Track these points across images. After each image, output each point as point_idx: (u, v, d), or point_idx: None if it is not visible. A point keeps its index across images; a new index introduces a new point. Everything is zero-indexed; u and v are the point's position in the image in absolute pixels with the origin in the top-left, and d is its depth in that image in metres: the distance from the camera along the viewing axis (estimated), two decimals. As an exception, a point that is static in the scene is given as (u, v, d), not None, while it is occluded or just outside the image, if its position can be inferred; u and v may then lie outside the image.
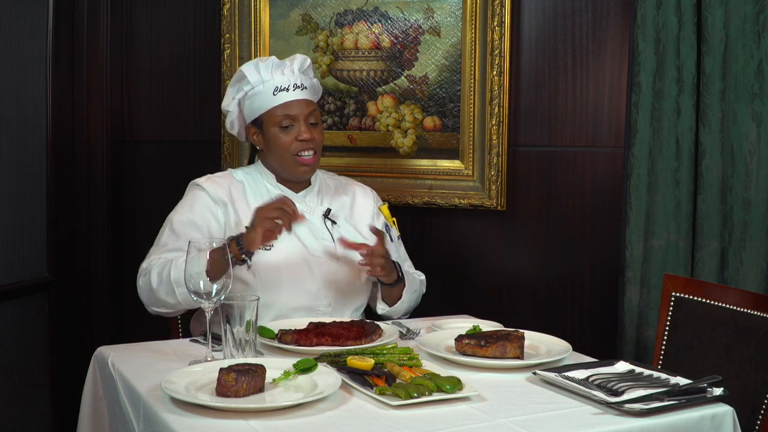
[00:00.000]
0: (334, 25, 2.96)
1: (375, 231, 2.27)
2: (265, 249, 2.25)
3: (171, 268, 2.09)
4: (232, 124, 2.42)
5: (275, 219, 2.04)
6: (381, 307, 2.37)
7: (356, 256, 2.35)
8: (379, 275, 2.24)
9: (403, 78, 2.90)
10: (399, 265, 2.34)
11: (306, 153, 2.29)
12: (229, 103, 2.38)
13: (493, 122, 2.77)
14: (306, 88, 2.33)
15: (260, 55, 3.00)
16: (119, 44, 3.21)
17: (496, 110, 2.77)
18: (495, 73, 2.76)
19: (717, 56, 2.45)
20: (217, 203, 2.28)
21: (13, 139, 2.92)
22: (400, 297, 2.35)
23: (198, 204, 2.28)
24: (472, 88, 2.81)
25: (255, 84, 2.31)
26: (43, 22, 3.03)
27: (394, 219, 2.50)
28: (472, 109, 2.81)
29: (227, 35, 3.04)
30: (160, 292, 2.14)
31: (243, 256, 2.07)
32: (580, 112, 2.76)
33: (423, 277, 2.52)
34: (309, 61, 2.39)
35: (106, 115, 3.18)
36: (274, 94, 2.29)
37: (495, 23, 2.74)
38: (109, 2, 3.16)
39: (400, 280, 2.32)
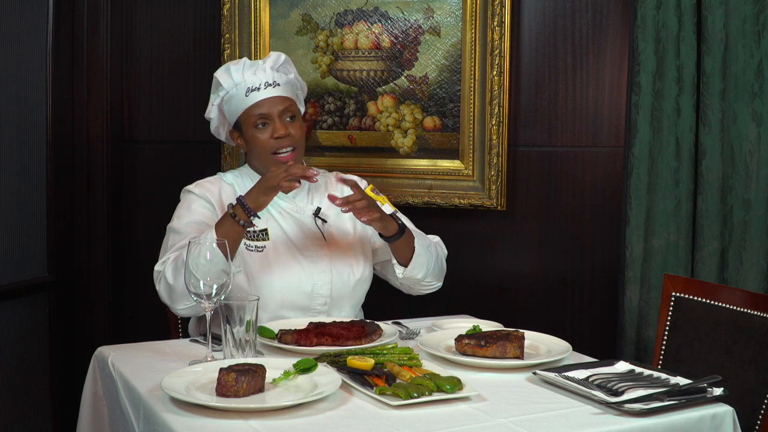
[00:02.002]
0: (334, 25, 2.96)
1: (342, 181, 2.23)
2: (258, 251, 2.25)
3: (185, 256, 1.98)
4: (218, 131, 2.45)
5: (274, 182, 2.07)
6: (399, 272, 2.29)
7: (349, 252, 2.35)
8: (370, 218, 2.12)
9: (403, 78, 2.90)
10: (396, 216, 2.25)
11: (283, 151, 2.29)
12: (210, 110, 2.40)
13: (493, 122, 2.77)
14: (279, 84, 2.32)
15: (260, 56, 3.00)
16: (119, 44, 3.21)
17: (496, 110, 2.77)
18: (495, 73, 2.76)
19: (717, 56, 2.45)
20: (210, 203, 2.29)
21: (13, 139, 2.92)
22: (412, 251, 2.26)
23: (194, 205, 2.28)
24: (472, 88, 2.81)
25: (229, 88, 2.33)
26: (43, 22, 3.03)
27: (384, 197, 2.41)
28: (472, 109, 2.81)
29: (227, 35, 3.04)
30: (178, 287, 2.06)
31: (250, 217, 2.08)
32: (580, 112, 2.76)
33: (438, 239, 2.45)
34: (284, 57, 2.39)
35: (106, 115, 3.18)
36: (246, 96, 2.30)
37: (495, 23, 2.74)
38: (109, 2, 3.16)
39: (402, 232, 2.22)
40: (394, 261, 2.30)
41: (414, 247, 2.26)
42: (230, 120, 2.37)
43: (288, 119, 2.31)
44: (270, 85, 2.31)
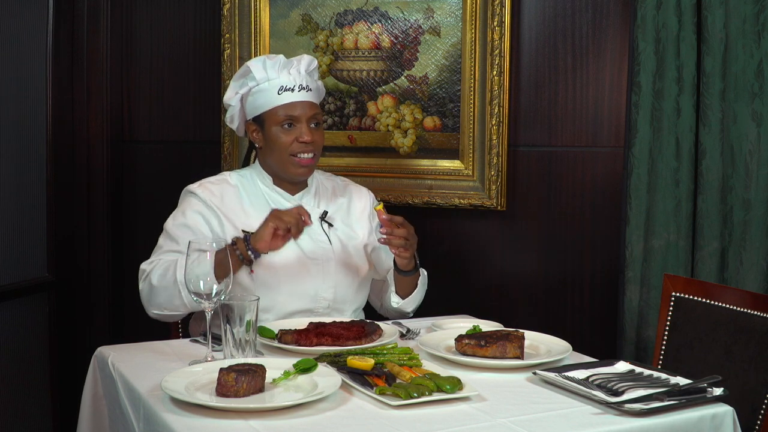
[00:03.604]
0: (334, 25, 2.96)
1: (390, 220, 2.21)
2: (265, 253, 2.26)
3: (176, 270, 2.08)
4: (232, 119, 2.41)
5: (287, 222, 2.05)
6: (395, 300, 2.35)
7: (354, 257, 2.35)
8: (400, 254, 2.21)
9: (403, 78, 2.90)
10: (416, 254, 2.31)
11: (305, 155, 2.29)
12: (232, 97, 2.38)
13: (493, 122, 2.77)
14: (311, 89, 2.33)
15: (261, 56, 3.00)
16: (119, 44, 3.21)
17: (496, 110, 2.77)
18: (495, 73, 2.76)
19: (717, 56, 2.45)
20: (209, 208, 2.27)
21: (13, 139, 2.92)
22: (414, 288, 2.34)
23: (189, 210, 2.27)
24: (472, 88, 2.81)
25: (260, 81, 2.30)
26: (43, 22, 3.04)
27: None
28: (472, 109, 2.81)
29: (227, 35, 3.04)
30: (161, 293, 2.12)
31: (249, 252, 2.07)
32: (580, 112, 2.76)
33: (425, 273, 2.51)
34: (316, 62, 2.39)
35: (106, 115, 3.18)
36: (278, 93, 2.29)
37: (495, 23, 2.74)
38: (109, 2, 3.16)
39: (416, 269, 2.31)
40: (393, 289, 2.36)
41: (417, 285, 2.34)
42: (251, 112, 2.34)
43: (313, 125, 2.31)
44: (303, 88, 2.31)
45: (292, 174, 2.31)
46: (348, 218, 2.42)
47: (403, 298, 2.36)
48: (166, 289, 2.11)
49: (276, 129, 2.29)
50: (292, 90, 2.29)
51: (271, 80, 2.30)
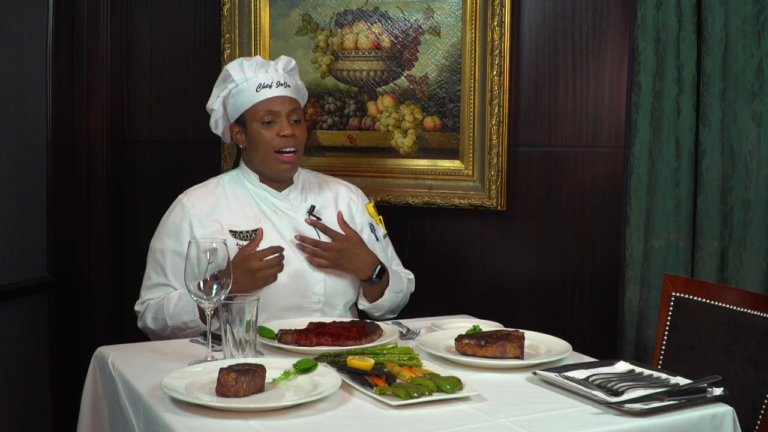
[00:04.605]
0: (334, 25, 2.96)
1: (312, 223, 2.33)
2: None
3: (166, 318, 2.21)
4: (216, 124, 2.46)
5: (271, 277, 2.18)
6: (361, 303, 2.40)
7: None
8: (316, 264, 2.28)
9: (403, 78, 2.90)
10: (383, 266, 2.34)
11: (287, 149, 2.31)
12: (214, 101, 2.42)
13: (493, 122, 2.77)
14: (289, 86, 2.37)
15: (260, 56, 3.00)
16: (119, 44, 3.21)
17: (496, 110, 2.77)
18: (495, 73, 2.76)
19: (717, 56, 2.45)
20: (195, 219, 2.30)
21: (13, 139, 2.92)
22: (380, 295, 2.36)
23: (169, 231, 2.31)
24: (472, 88, 2.80)
25: (239, 82, 2.35)
26: (43, 21, 3.03)
27: (380, 217, 2.51)
28: (472, 109, 2.81)
29: (227, 35, 3.04)
30: (162, 333, 2.24)
31: None
32: (580, 112, 2.76)
33: (412, 276, 2.54)
34: (294, 62, 2.44)
35: (106, 115, 3.18)
36: (257, 91, 2.33)
37: (495, 23, 2.74)
38: (109, 2, 3.16)
39: (373, 281, 2.33)
40: (362, 291, 2.40)
41: (383, 293, 2.36)
42: (233, 114, 2.38)
43: (294, 121, 2.34)
44: (281, 84, 2.35)
45: (275, 171, 2.34)
46: (335, 213, 2.42)
47: (369, 302, 2.39)
48: (164, 331, 2.24)
49: (257, 126, 2.32)
50: (270, 86, 2.33)
51: (249, 80, 2.34)
